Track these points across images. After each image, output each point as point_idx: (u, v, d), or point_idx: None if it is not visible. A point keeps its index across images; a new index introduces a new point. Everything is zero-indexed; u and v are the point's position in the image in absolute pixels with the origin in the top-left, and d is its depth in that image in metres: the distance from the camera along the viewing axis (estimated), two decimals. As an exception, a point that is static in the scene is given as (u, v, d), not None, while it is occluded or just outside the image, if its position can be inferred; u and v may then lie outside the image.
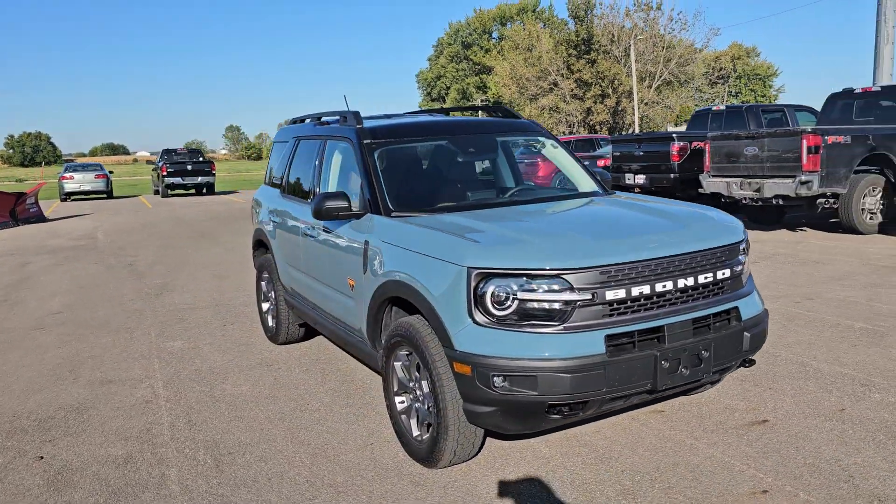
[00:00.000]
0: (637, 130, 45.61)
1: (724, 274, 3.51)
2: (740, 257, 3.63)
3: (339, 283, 4.43)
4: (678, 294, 3.34)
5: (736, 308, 3.55)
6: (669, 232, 3.50)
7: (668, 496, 3.25)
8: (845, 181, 10.15)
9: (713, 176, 11.53)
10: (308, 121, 5.82)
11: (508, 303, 3.16)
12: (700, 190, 11.85)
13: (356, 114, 4.84)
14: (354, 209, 4.22)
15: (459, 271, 3.24)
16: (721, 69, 58.66)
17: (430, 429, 3.56)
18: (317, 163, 5.10)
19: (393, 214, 4.05)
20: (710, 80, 58.39)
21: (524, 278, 3.14)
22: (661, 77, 50.81)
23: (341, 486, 3.51)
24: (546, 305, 3.13)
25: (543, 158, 4.95)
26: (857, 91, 11.99)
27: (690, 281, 3.37)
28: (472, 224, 3.72)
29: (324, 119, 5.44)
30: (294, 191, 5.52)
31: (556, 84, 55.48)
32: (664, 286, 3.29)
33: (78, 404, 4.86)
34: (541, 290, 3.13)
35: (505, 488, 3.41)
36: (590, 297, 3.12)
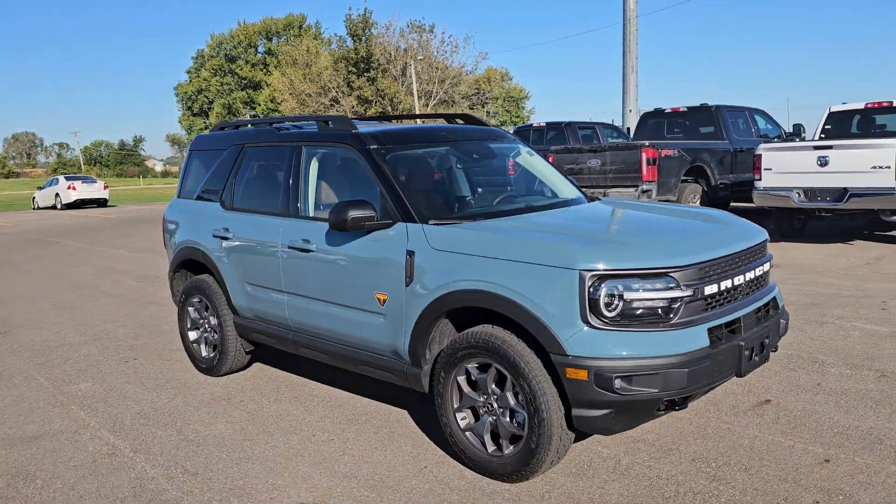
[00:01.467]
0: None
1: (766, 267, 3.84)
2: (768, 252, 4.00)
3: (357, 299, 4.09)
4: (747, 287, 3.60)
5: (774, 298, 3.89)
6: (725, 231, 3.75)
7: (752, 477, 3.46)
8: (675, 189, 11.44)
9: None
10: (250, 127, 5.30)
11: (621, 303, 3.17)
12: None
13: (344, 118, 4.53)
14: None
15: (571, 275, 3.18)
16: (479, 91, 62.18)
17: (517, 442, 3.44)
18: (289, 172, 4.66)
19: (431, 222, 3.85)
20: (472, 104, 61.83)
21: (636, 278, 3.18)
22: (436, 97, 53.14)
23: (439, 515, 3.26)
24: (657, 304, 3.19)
25: (518, 166, 4.97)
26: (666, 111, 13.58)
27: (751, 274, 3.65)
28: (546, 229, 3.68)
29: (288, 125, 5.00)
30: (254, 204, 4.98)
31: (336, 101, 55.69)
32: (739, 279, 3.52)
33: (15, 470, 3.95)
34: (652, 289, 3.18)
35: (603, 493, 3.40)
36: (692, 293, 3.24)
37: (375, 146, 4.23)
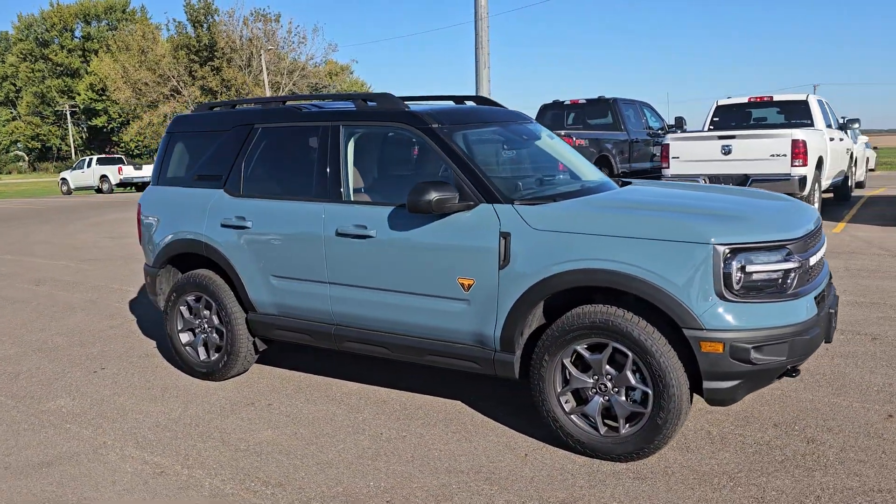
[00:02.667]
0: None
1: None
2: None
3: (433, 286, 3.88)
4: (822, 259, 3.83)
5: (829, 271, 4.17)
6: (800, 208, 3.94)
7: (839, 436, 3.68)
8: None
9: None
10: (254, 106, 4.86)
11: (748, 276, 3.25)
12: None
13: (390, 96, 4.27)
14: None
15: (705, 249, 3.21)
16: (321, 85, 60.40)
17: (635, 420, 3.43)
18: (325, 153, 4.32)
19: (517, 203, 3.74)
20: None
21: (761, 251, 3.27)
22: (287, 88, 51.54)
23: (573, 499, 3.18)
24: (777, 275, 3.30)
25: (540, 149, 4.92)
26: (566, 102, 14.08)
27: (824, 247, 3.88)
28: (652, 207, 3.69)
29: (306, 104, 4.63)
30: (275, 190, 4.57)
31: (177, 90, 52.43)
32: (821, 252, 3.74)
33: (52, 501, 3.37)
34: (773, 261, 3.29)
35: (719, 463, 3.48)
36: (799, 264, 3.39)
37: (437, 125, 4.03)
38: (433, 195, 3.70)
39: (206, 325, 4.92)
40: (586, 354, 3.52)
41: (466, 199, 3.79)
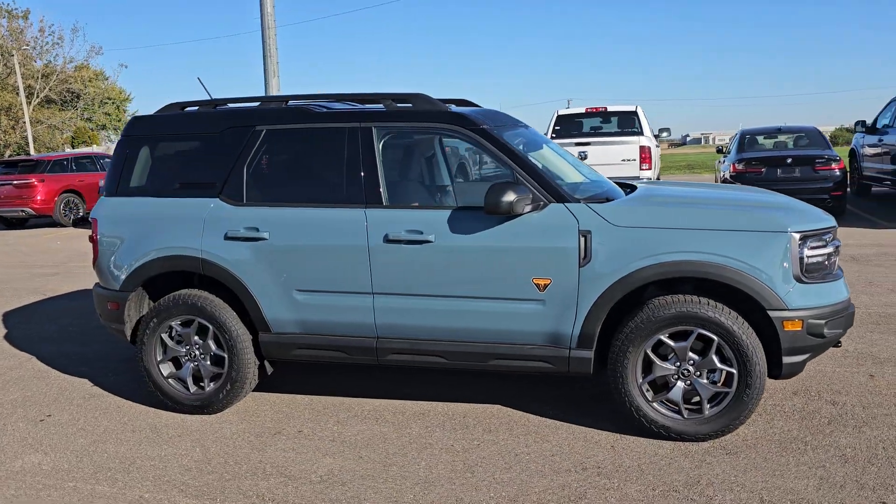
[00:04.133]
0: (33, 151, 40.35)
1: None
2: None
3: (505, 289, 3.81)
4: None
5: None
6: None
7: (850, 397, 4.24)
8: None
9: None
10: (249, 105, 4.42)
11: (812, 259, 3.65)
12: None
13: (426, 97, 4.14)
14: None
15: (785, 237, 3.55)
16: (71, 92, 54.50)
17: (718, 400, 3.68)
18: (357, 156, 4.06)
19: (585, 202, 3.83)
20: (61, 100, 53.20)
21: (818, 238, 3.69)
22: (42, 94, 46.07)
23: (694, 480, 3.35)
24: (829, 258, 3.75)
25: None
26: None
27: None
28: (717, 201, 3.98)
29: (315, 104, 4.31)
30: (293, 196, 4.17)
31: None
32: None
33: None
34: (824, 246, 3.72)
35: (798, 430, 3.84)
36: (835, 248, 3.87)
37: (486, 126, 4.00)
38: (512, 196, 3.66)
39: (197, 353, 4.35)
40: (670, 342, 3.69)
41: (536, 200, 3.79)
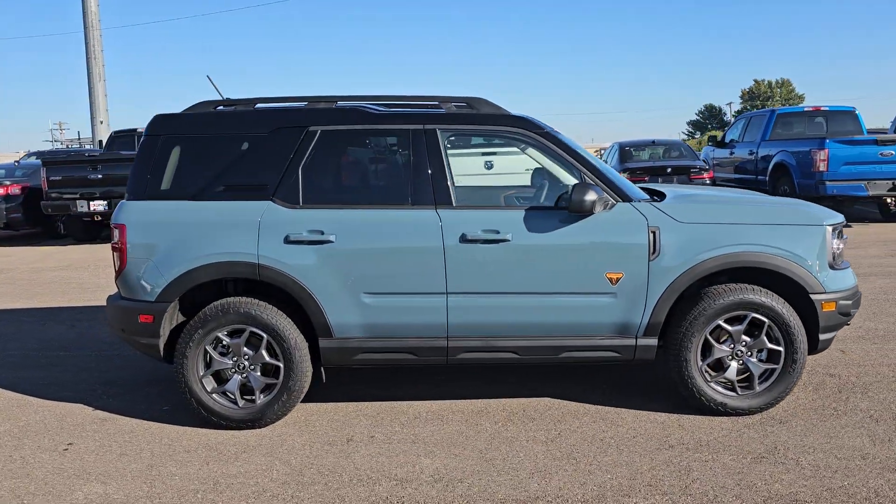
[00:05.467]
0: None
1: None
2: None
3: (580, 283, 4.02)
4: None
5: None
6: None
7: (850, 368, 4.89)
8: None
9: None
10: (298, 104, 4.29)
11: (838, 249, 4.22)
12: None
13: (485, 100, 4.27)
14: None
15: (822, 230, 4.09)
16: None
17: (768, 376, 4.12)
18: (425, 158, 4.10)
19: (642, 201, 4.16)
20: None
21: (838, 229, 4.27)
22: None
23: (771, 449, 3.76)
24: (842, 248, 4.34)
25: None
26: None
27: None
28: (756, 200, 4.42)
29: (367, 105, 4.28)
30: (355, 198, 4.11)
31: None
32: None
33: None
34: (841, 237, 4.32)
35: (813, 401, 4.38)
36: (844, 240, 4.49)
37: (549, 129, 4.21)
38: (594, 196, 3.90)
39: (245, 364, 4.13)
40: (727, 327, 4.09)
41: (607, 200, 4.05)
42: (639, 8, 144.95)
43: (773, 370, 4.13)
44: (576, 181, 4.13)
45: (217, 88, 4.78)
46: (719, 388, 4.14)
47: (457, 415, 4.31)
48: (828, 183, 11.43)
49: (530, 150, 4.31)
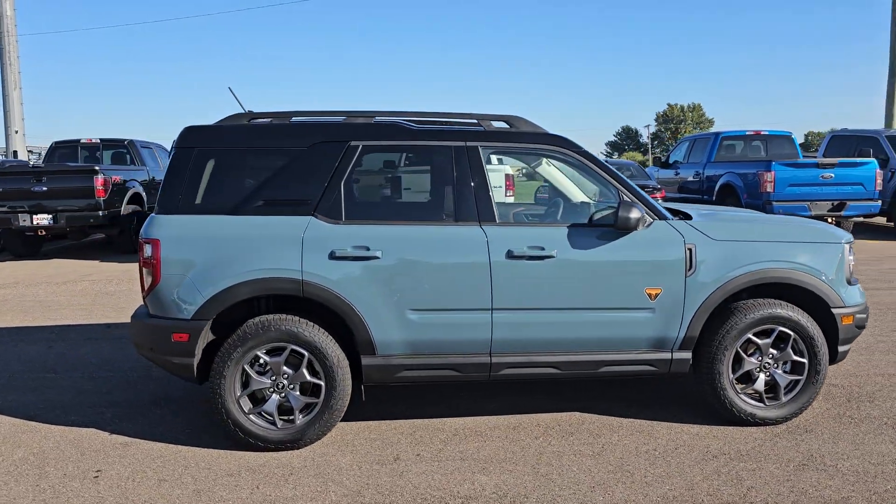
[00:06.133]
0: None
1: None
2: None
3: (620, 299, 4.11)
4: None
5: None
6: None
7: (854, 379, 5.18)
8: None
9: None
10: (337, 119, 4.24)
11: (853, 265, 4.47)
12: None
13: (523, 118, 4.34)
14: None
15: (841, 247, 4.33)
16: None
17: (793, 387, 4.32)
18: (467, 175, 4.13)
19: (678, 218, 4.31)
20: None
21: (851, 247, 4.54)
22: None
23: (808, 457, 3.95)
24: (853, 264, 4.61)
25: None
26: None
27: None
28: (755, 220, 4.64)
29: (402, 121, 4.28)
30: (397, 214, 4.09)
31: None
32: None
33: None
34: (852, 255, 4.58)
35: (828, 409, 4.61)
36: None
37: (582, 150, 4.31)
38: (637, 214, 4.03)
39: (284, 383, 4.03)
40: (757, 340, 4.27)
41: (645, 217, 4.17)
42: (555, 31, 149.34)
43: (797, 381, 4.32)
44: (609, 199, 4.24)
45: (238, 100, 4.68)
46: (749, 400, 4.31)
47: (494, 431, 4.32)
48: (774, 203, 12.03)
49: (568, 168, 4.39)
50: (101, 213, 11.88)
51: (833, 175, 12.10)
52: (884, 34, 18.63)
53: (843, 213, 12.13)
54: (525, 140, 4.29)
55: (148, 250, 4.01)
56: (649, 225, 4.18)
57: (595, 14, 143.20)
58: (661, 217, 4.24)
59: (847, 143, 15.08)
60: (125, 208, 12.50)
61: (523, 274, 4.08)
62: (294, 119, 4.30)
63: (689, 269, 4.15)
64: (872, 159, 12.47)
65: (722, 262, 4.18)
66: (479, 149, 4.19)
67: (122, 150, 14.24)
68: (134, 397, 5.00)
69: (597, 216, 4.19)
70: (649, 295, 4.15)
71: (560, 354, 4.17)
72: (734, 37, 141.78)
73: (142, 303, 4.29)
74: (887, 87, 18.84)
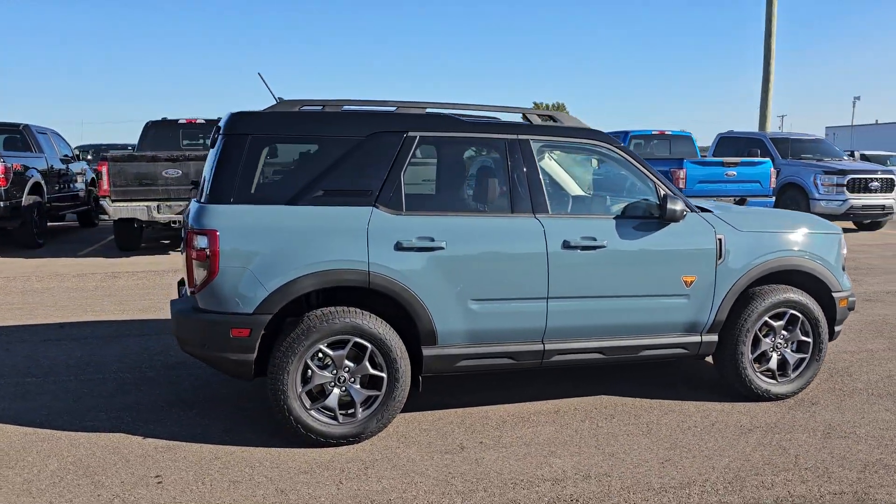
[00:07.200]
0: None
1: None
2: None
3: (661, 286, 4.36)
4: None
5: None
6: None
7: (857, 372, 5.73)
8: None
9: (119, 200, 10.54)
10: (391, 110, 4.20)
11: (845, 254, 4.98)
12: (104, 217, 10.58)
13: (565, 114, 4.49)
14: None
15: (839, 237, 4.82)
16: None
17: (800, 365, 4.76)
18: (520, 167, 4.23)
19: (703, 211, 4.63)
20: None
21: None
22: None
23: (830, 427, 4.39)
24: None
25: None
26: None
27: None
28: (766, 213, 5.02)
29: (471, 118, 4.31)
30: (455, 205, 4.11)
31: None
32: None
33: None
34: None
35: (831, 387, 5.10)
36: None
37: (624, 145, 4.53)
38: (681, 206, 4.29)
39: (344, 377, 3.97)
40: (773, 322, 4.67)
41: (685, 210, 4.44)
42: (415, 28, 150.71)
43: (803, 359, 4.77)
44: (645, 193, 4.48)
45: (269, 87, 4.52)
46: (764, 377, 4.70)
47: (538, 416, 4.45)
48: (685, 199, 12.92)
49: (566, 162, 4.59)
50: (2, 203, 10.85)
51: (736, 173, 13.16)
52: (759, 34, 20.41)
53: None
54: (571, 135, 4.44)
55: (202, 242, 3.80)
56: (685, 216, 4.46)
57: (460, 10, 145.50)
58: (693, 210, 4.52)
59: (735, 144, 16.41)
60: (26, 199, 11.47)
61: (577, 263, 4.23)
62: (345, 108, 4.21)
63: (720, 258, 4.47)
64: (768, 159, 13.68)
65: (746, 251, 4.53)
66: (531, 142, 4.29)
67: (16, 136, 12.88)
68: (144, 400, 4.69)
69: (641, 209, 4.42)
70: (685, 282, 4.43)
71: (606, 340, 4.36)
72: (599, 38, 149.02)
73: (173, 296, 4.05)
74: (761, 92, 20.66)
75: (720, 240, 4.48)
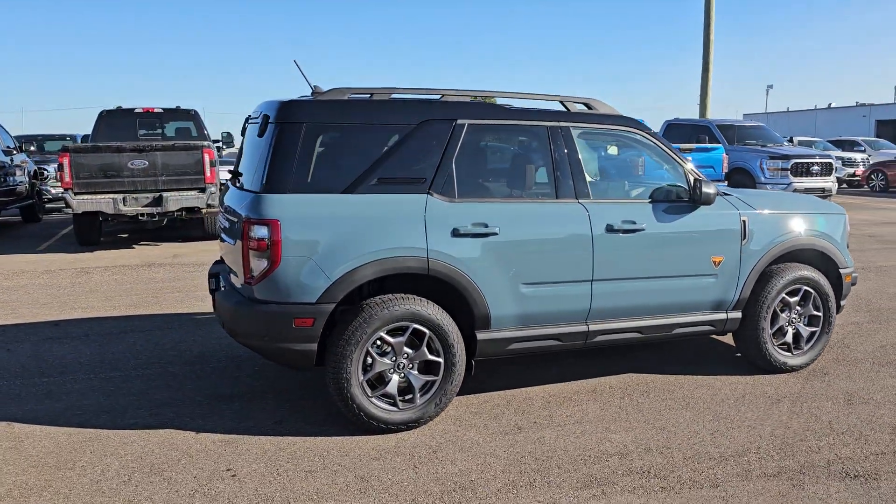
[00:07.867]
0: None
1: None
2: None
3: (694, 266, 4.56)
4: None
5: None
6: None
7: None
8: None
9: (82, 193, 10.11)
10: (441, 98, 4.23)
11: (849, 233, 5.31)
12: (68, 210, 10.13)
13: (599, 101, 4.62)
14: None
15: (845, 217, 5.14)
16: None
17: (811, 339, 5.06)
18: (562, 153, 4.34)
19: (727, 195, 4.85)
20: None
21: (843, 217, 5.38)
22: None
23: (850, 394, 4.69)
24: (845, 230, 5.44)
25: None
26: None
27: None
28: (780, 195, 5.25)
29: (514, 106, 4.38)
30: (503, 191, 4.19)
31: None
32: None
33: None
34: (844, 223, 5.42)
35: (836, 361, 5.43)
36: None
37: (655, 132, 4.69)
38: (714, 189, 4.50)
39: (403, 363, 4.00)
40: (788, 298, 4.94)
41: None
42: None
43: (814, 332, 5.07)
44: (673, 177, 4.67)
45: (305, 75, 4.47)
46: (782, 350, 4.98)
47: (579, 395, 4.59)
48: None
49: (642, 149, 4.74)
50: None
51: (690, 158, 13.62)
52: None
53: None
54: (607, 122, 4.57)
55: (261, 232, 3.75)
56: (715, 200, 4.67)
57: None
58: (717, 193, 4.74)
59: (682, 131, 16.98)
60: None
61: (619, 246, 4.38)
62: (394, 96, 4.21)
63: (744, 239, 4.70)
64: (720, 145, 14.23)
65: (767, 231, 4.78)
66: (571, 129, 4.40)
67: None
68: (178, 395, 4.60)
69: (671, 193, 4.60)
70: (714, 262, 4.64)
71: (644, 319, 4.54)
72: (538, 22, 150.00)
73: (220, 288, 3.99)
74: (701, 81, 21.42)
75: (744, 221, 4.71)
